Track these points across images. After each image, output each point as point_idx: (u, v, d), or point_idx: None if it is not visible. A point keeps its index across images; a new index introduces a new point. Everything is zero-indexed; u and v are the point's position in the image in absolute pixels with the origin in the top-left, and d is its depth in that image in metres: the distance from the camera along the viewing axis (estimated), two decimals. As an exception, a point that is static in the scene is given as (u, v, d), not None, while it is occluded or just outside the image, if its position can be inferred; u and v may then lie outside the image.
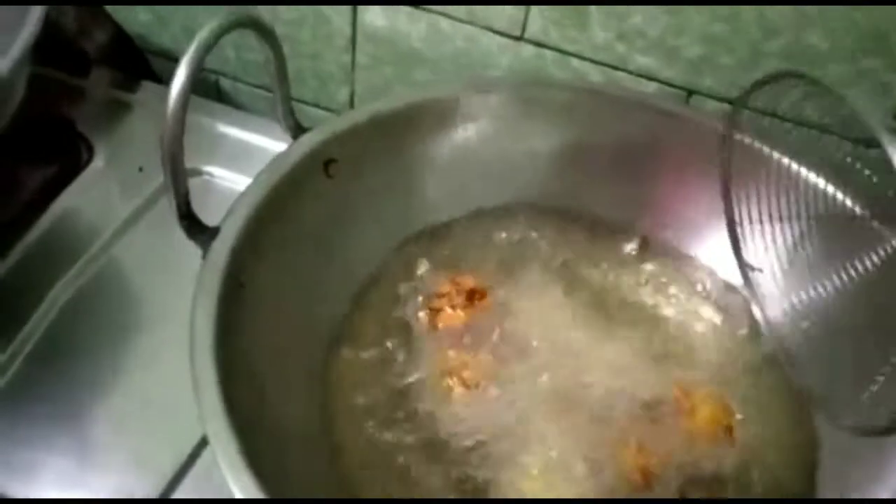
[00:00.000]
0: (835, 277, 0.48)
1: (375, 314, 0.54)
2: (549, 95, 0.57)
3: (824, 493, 0.47)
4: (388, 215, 0.55)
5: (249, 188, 0.48)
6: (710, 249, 0.57)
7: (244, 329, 0.44)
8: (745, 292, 0.53)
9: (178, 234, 0.63)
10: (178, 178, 0.43)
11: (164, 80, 0.77)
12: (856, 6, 0.54)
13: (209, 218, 0.47)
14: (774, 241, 0.50)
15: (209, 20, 0.70)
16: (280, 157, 0.50)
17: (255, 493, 0.36)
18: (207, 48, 0.42)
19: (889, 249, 0.45)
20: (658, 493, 0.47)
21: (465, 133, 0.56)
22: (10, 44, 0.52)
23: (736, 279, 0.54)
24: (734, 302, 0.55)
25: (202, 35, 0.42)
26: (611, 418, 0.49)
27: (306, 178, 0.51)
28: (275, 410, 0.44)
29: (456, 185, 0.57)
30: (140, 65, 0.75)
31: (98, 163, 0.67)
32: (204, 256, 0.45)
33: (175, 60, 0.76)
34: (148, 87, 0.74)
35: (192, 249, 0.61)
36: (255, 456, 0.37)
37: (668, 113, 0.57)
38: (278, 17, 0.70)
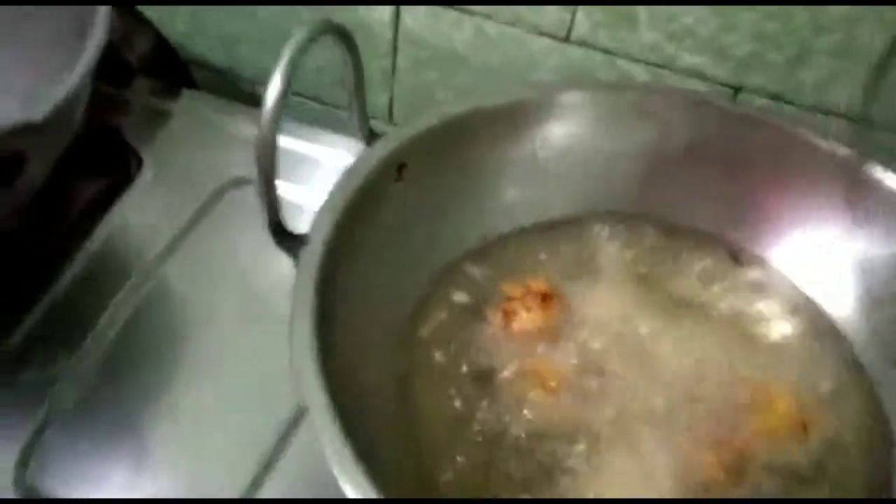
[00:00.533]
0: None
1: (449, 316, 0.54)
2: (625, 98, 0.57)
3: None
4: (460, 219, 0.56)
5: (331, 194, 0.48)
6: (793, 261, 0.57)
7: (336, 325, 0.44)
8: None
9: (230, 241, 0.64)
10: (270, 187, 0.43)
11: (203, 87, 0.77)
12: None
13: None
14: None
15: (246, 29, 0.73)
16: (357, 163, 0.50)
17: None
18: (299, 56, 0.42)
19: None
20: (740, 489, 0.48)
21: (535, 138, 0.56)
22: (76, 55, 0.52)
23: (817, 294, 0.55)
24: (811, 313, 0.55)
25: (291, 45, 0.42)
26: (688, 421, 0.50)
27: (381, 182, 0.51)
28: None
29: (529, 191, 0.57)
30: (180, 73, 0.75)
31: (147, 173, 0.67)
32: (296, 264, 0.45)
33: (211, 69, 0.78)
34: (189, 94, 0.74)
35: (241, 256, 0.62)
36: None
37: (754, 121, 0.57)
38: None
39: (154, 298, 0.61)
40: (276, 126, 0.42)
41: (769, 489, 0.48)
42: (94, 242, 0.62)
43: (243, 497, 0.51)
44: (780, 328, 0.54)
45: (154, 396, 0.56)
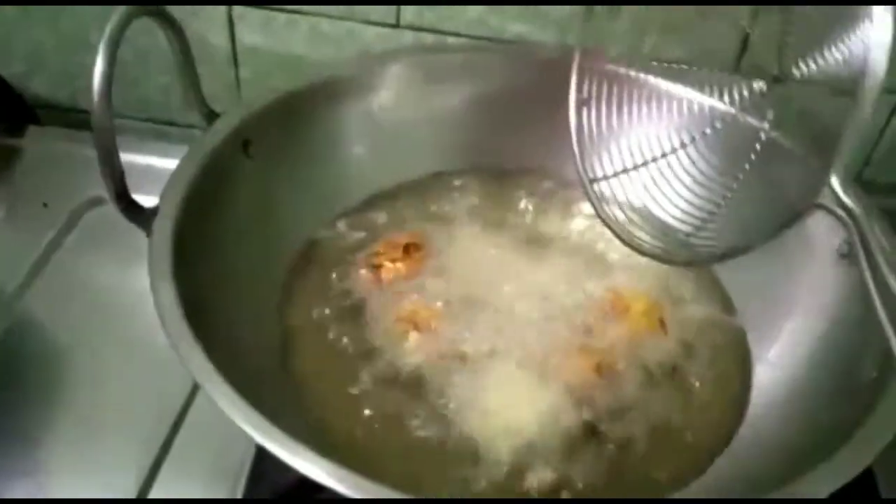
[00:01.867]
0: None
1: (320, 280, 0.55)
2: (442, 59, 0.61)
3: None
4: (315, 190, 0.58)
5: (178, 168, 0.49)
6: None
7: (198, 294, 0.44)
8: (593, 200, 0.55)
9: (91, 260, 0.63)
10: (111, 158, 0.44)
11: (48, 125, 0.77)
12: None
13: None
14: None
15: (84, 61, 0.73)
16: (199, 140, 0.51)
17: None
18: (120, 31, 0.44)
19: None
20: (613, 384, 0.50)
21: (372, 105, 0.59)
22: None
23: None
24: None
25: (112, 21, 0.44)
26: (556, 331, 0.52)
27: (228, 159, 0.52)
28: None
29: (377, 155, 0.60)
30: (24, 112, 0.74)
31: (1, 209, 0.66)
32: (148, 235, 0.45)
33: (52, 107, 0.77)
34: (34, 130, 0.73)
35: (103, 273, 0.62)
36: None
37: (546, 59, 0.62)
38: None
39: (21, 325, 0.60)
40: (108, 98, 0.43)
41: (637, 382, 0.50)
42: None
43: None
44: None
45: (33, 422, 0.54)
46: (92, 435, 0.54)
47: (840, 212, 0.39)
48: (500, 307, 0.53)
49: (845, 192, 0.39)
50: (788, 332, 0.52)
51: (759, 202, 0.47)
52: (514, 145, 0.61)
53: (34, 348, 0.59)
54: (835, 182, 0.40)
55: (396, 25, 0.69)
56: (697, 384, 0.52)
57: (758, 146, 0.51)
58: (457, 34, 0.69)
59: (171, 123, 0.78)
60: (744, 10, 0.52)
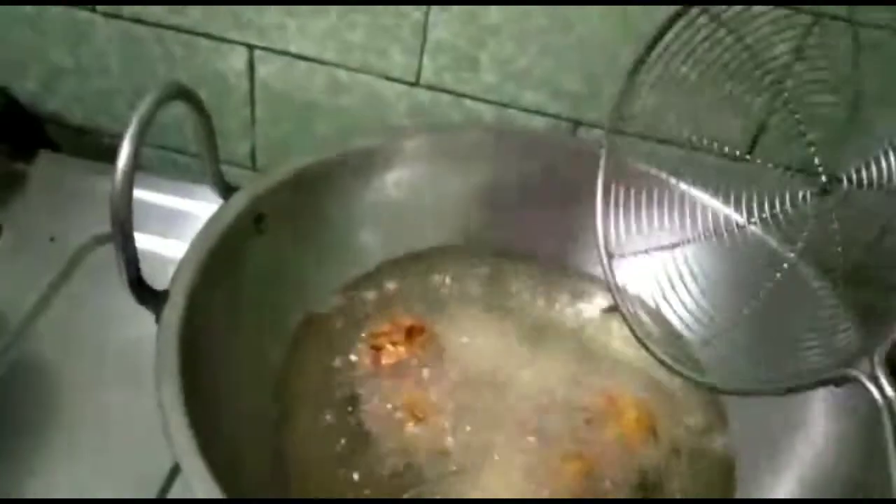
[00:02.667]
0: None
1: (319, 359, 0.56)
2: (456, 139, 0.62)
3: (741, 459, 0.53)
4: (322, 265, 0.58)
5: (190, 249, 0.50)
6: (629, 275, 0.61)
7: (203, 382, 0.46)
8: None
9: (95, 300, 0.64)
10: (128, 248, 0.44)
11: (61, 144, 0.77)
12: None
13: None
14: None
15: (99, 84, 0.73)
16: (214, 217, 0.52)
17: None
18: (148, 121, 0.44)
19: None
20: (599, 492, 0.52)
21: (384, 181, 0.60)
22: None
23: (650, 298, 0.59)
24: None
25: (141, 110, 0.44)
26: (549, 433, 0.54)
27: (240, 235, 0.53)
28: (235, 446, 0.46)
29: (386, 231, 0.61)
30: (35, 134, 0.75)
31: (7, 238, 0.66)
32: (157, 320, 0.46)
33: (66, 126, 0.77)
34: (45, 155, 0.74)
35: (107, 314, 0.63)
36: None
37: (561, 145, 0.63)
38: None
39: (21, 365, 0.60)
40: (129, 188, 0.44)
41: (627, 490, 0.52)
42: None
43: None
44: (623, 340, 0.58)
45: (28, 464, 0.55)
46: (87, 474, 0.55)
47: (876, 393, 0.37)
48: (497, 401, 0.54)
49: (884, 370, 0.37)
50: (779, 465, 0.52)
51: (775, 341, 0.46)
52: (523, 230, 0.62)
53: (34, 382, 0.60)
54: (877, 359, 0.37)
55: (415, 83, 0.70)
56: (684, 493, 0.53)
57: (779, 274, 0.51)
58: (474, 97, 0.70)
59: (182, 152, 0.78)
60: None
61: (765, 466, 0.52)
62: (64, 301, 0.64)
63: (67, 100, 0.76)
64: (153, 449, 0.54)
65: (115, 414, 0.58)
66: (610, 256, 0.55)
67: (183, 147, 0.78)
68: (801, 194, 0.51)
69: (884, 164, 0.42)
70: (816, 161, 0.49)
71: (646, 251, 0.56)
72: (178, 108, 0.73)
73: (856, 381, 0.37)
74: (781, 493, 0.50)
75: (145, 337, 0.45)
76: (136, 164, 0.44)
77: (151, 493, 0.54)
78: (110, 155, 0.80)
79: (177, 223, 0.68)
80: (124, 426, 0.57)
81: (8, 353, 0.60)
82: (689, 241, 0.56)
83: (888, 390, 0.36)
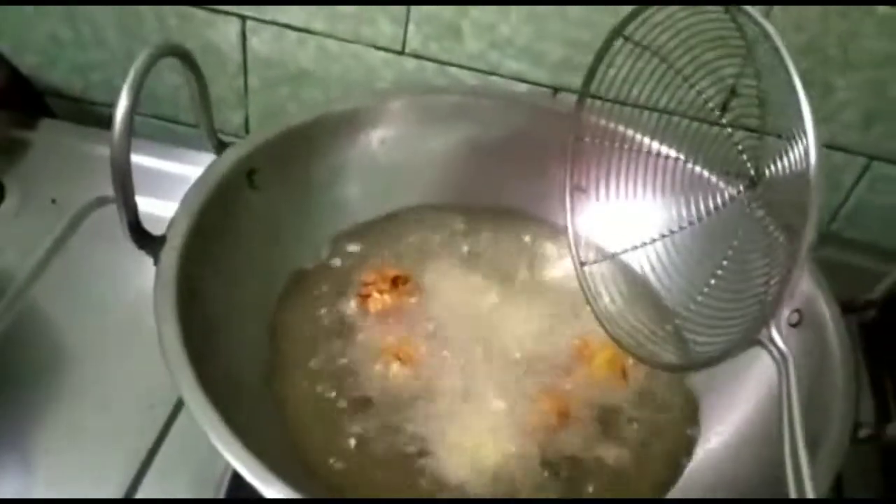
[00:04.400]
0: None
1: (310, 306, 0.59)
2: (439, 100, 0.65)
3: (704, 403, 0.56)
4: (312, 218, 0.61)
5: (186, 198, 0.52)
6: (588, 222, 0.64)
7: (199, 320, 0.49)
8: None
9: (96, 259, 0.67)
10: (127, 193, 0.47)
11: (60, 116, 0.79)
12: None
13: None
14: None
15: (97, 56, 0.76)
16: (208, 170, 0.55)
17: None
18: (144, 73, 0.47)
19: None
20: (572, 430, 0.55)
21: (370, 140, 0.63)
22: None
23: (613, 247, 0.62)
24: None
25: (137, 64, 0.47)
26: (526, 374, 0.57)
27: (233, 188, 0.56)
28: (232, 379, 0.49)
29: (372, 187, 0.63)
30: (36, 104, 0.77)
31: (10, 200, 0.69)
32: (155, 263, 0.49)
33: (66, 97, 0.80)
34: (46, 123, 0.76)
35: (108, 272, 0.65)
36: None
37: (537, 107, 0.66)
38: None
39: (24, 321, 0.63)
40: (128, 135, 0.46)
41: (593, 429, 0.55)
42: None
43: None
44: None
45: (32, 415, 0.58)
46: (88, 427, 0.58)
47: (775, 353, 0.42)
48: (477, 346, 0.57)
49: (781, 334, 0.42)
50: (738, 400, 0.55)
51: (724, 312, 0.49)
52: (505, 187, 0.65)
53: (36, 341, 0.62)
54: (773, 327, 0.42)
55: (401, 52, 0.73)
56: (648, 431, 0.56)
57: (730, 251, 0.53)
58: (458, 65, 0.73)
59: (177, 122, 0.81)
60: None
61: (727, 403, 0.55)
62: (65, 260, 0.67)
63: (66, 72, 0.79)
64: (148, 399, 0.59)
65: (115, 368, 0.61)
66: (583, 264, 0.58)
67: (177, 117, 0.81)
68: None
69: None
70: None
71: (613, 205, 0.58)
72: (174, 79, 0.77)
73: (761, 344, 0.42)
74: (740, 424, 0.53)
75: (144, 293, 0.48)
76: (133, 113, 0.46)
77: (148, 443, 0.57)
78: (108, 125, 0.83)
79: (172, 186, 0.71)
80: (124, 379, 0.60)
81: (12, 311, 0.63)
82: (661, 237, 0.58)
83: (783, 348, 0.42)
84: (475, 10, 0.69)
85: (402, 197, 0.65)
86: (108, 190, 0.68)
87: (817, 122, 0.39)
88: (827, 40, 0.66)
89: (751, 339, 0.43)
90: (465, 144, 0.65)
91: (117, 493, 0.55)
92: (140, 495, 0.55)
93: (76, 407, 0.59)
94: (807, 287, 0.54)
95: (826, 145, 0.72)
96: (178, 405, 0.59)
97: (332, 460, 0.51)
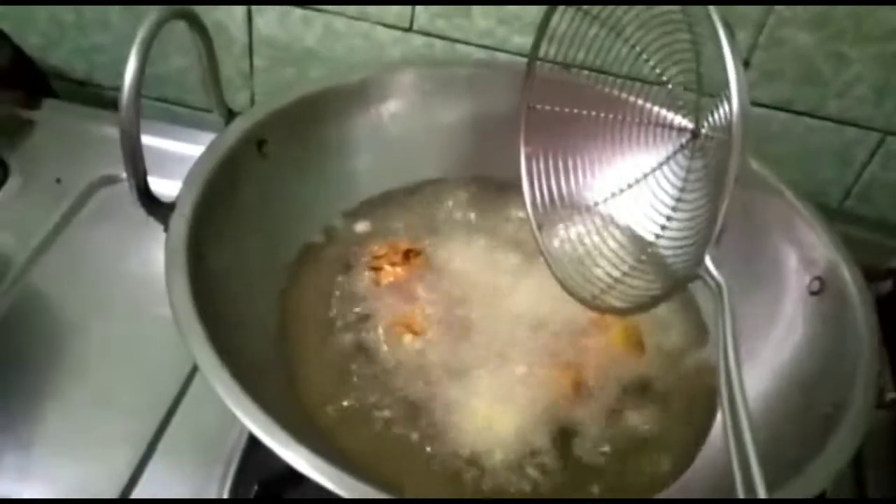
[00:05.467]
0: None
1: (320, 279, 0.58)
2: (449, 73, 0.64)
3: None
4: (322, 189, 0.61)
5: (195, 166, 0.52)
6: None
7: (211, 288, 0.48)
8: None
9: (101, 237, 0.66)
10: (137, 159, 0.46)
11: (63, 97, 0.79)
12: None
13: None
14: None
15: (101, 39, 0.75)
16: (218, 137, 0.54)
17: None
18: (152, 37, 0.46)
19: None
20: (590, 403, 0.54)
21: (380, 112, 0.62)
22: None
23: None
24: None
25: (145, 26, 0.46)
26: (541, 346, 0.56)
27: (242, 157, 0.55)
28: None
29: (382, 160, 0.63)
30: (40, 84, 0.77)
31: (15, 180, 0.68)
32: (165, 230, 0.48)
33: (70, 79, 0.79)
34: (50, 103, 0.76)
35: (113, 250, 0.64)
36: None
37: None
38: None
39: (28, 300, 0.62)
40: (137, 99, 0.45)
41: (611, 397, 0.54)
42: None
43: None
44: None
45: (36, 395, 0.57)
46: (94, 407, 0.57)
47: (710, 283, 0.42)
48: (490, 318, 0.56)
49: (717, 267, 0.42)
50: (758, 361, 0.54)
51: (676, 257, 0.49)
52: (513, 159, 0.64)
53: (40, 321, 0.62)
54: (708, 258, 0.42)
55: (409, 29, 0.72)
56: (667, 403, 0.55)
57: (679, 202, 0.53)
58: (465, 42, 0.72)
59: (183, 105, 0.80)
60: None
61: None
62: (69, 240, 0.66)
63: (70, 53, 0.78)
64: (156, 378, 0.58)
65: (119, 347, 0.60)
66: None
67: (184, 101, 0.80)
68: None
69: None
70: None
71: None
72: (179, 61, 0.76)
73: (700, 277, 0.43)
74: (760, 388, 0.52)
75: (148, 273, 0.47)
76: (141, 77, 0.46)
77: (155, 423, 0.56)
78: (112, 107, 0.82)
79: (176, 166, 0.70)
80: (129, 359, 0.60)
81: (16, 290, 0.62)
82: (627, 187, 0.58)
83: (717, 277, 0.42)
84: (483, -14, 0.68)
85: (413, 170, 0.64)
86: (113, 170, 0.69)
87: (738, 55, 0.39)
88: (839, 11, 0.65)
89: (692, 274, 0.43)
90: (475, 117, 0.64)
91: (124, 474, 0.54)
92: (148, 474, 0.54)
93: (80, 388, 0.58)
94: (828, 254, 0.53)
95: (837, 120, 0.71)
96: (185, 385, 0.58)
97: (343, 430, 0.51)
